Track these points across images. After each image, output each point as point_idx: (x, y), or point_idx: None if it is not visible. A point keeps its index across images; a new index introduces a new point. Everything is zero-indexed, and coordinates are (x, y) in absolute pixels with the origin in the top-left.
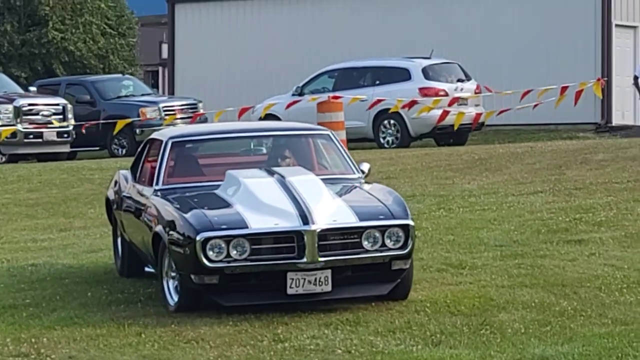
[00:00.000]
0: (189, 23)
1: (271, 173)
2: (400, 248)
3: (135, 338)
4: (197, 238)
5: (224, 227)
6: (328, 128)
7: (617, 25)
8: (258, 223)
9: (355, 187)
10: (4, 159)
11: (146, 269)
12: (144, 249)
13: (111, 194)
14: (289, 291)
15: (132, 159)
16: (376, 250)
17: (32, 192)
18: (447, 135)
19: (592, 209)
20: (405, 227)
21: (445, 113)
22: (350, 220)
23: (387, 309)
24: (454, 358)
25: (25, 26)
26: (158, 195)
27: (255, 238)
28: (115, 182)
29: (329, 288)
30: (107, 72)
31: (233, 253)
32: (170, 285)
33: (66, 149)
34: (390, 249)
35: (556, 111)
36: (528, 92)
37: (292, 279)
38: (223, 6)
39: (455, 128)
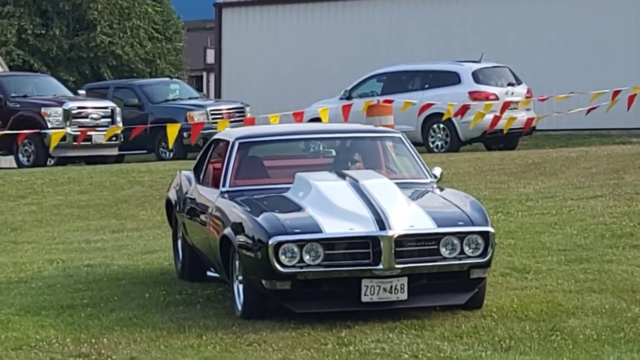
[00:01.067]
0: (236, 27)
1: (342, 176)
2: (480, 256)
3: (196, 340)
4: (270, 242)
5: (297, 231)
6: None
7: None
8: (332, 227)
9: (429, 191)
10: (52, 162)
11: (208, 272)
12: (209, 252)
13: (173, 196)
14: (364, 299)
15: (180, 162)
16: (454, 258)
17: (83, 194)
18: (497, 140)
19: None
20: (485, 234)
21: (497, 118)
22: (428, 226)
23: (453, 313)
24: None
25: (74, 30)
26: (225, 198)
27: (330, 243)
28: (177, 184)
29: (404, 296)
30: (154, 76)
31: (306, 258)
32: (240, 290)
33: (114, 152)
34: (469, 257)
35: (608, 116)
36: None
37: (367, 286)
38: (270, 10)
39: (505, 132)
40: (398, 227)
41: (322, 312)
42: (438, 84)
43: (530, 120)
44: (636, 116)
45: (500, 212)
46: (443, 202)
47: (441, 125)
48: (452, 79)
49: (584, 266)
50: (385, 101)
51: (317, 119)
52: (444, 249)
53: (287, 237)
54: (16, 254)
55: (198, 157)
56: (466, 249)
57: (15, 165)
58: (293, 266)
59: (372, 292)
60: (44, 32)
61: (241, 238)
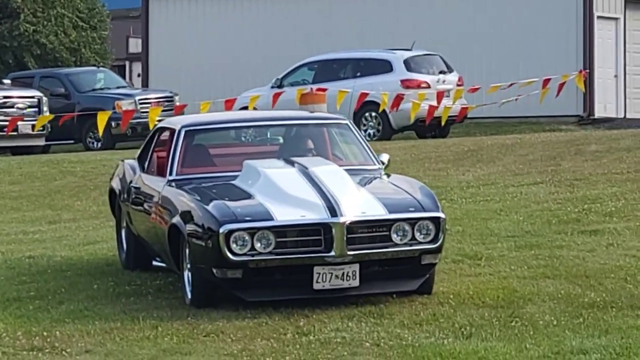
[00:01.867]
0: (163, 15)
1: (291, 163)
2: (431, 242)
3: (152, 331)
4: (220, 230)
5: (248, 218)
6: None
7: (599, 17)
8: (284, 215)
9: (377, 177)
10: None
11: (154, 262)
12: (156, 241)
13: (116, 185)
14: (316, 286)
15: (109, 151)
16: (406, 244)
17: (14, 184)
18: (429, 128)
19: (599, 200)
20: (436, 220)
21: (433, 108)
22: (379, 212)
23: (410, 301)
24: (488, 351)
25: None
26: (172, 186)
27: (281, 230)
28: (121, 173)
29: (356, 283)
30: (80, 66)
31: (257, 246)
32: (189, 279)
33: (41, 142)
34: (420, 243)
35: (537, 104)
36: (511, 85)
37: (319, 274)
38: None
39: (443, 123)
40: (349, 213)
41: (276, 301)
42: (370, 72)
43: (464, 109)
44: (563, 104)
45: (443, 199)
46: (393, 188)
47: (373, 114)
48: (384, 67)
49: (535, 252)
50: (319, 89)
51: (247, 107)
52: (395, 235)
53: (238, 225)
54: None
55: (142, 146)
56: (417, 235)
57: None
58: (244, 254)
59: (324, 279)
60: None
61: (191, 227)
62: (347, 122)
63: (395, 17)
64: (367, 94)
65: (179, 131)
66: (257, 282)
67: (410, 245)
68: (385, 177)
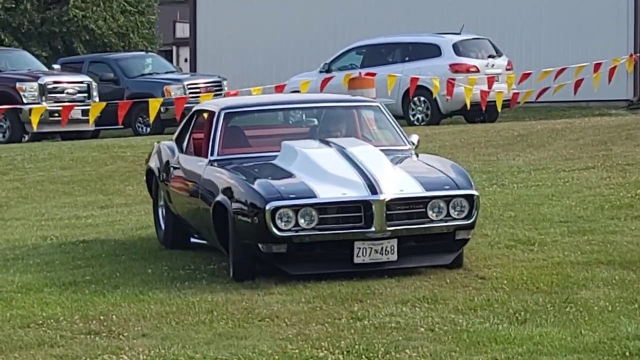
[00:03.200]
0: (211, 0)
1: (327, 144)
2: (465, 218)
3: (207, 315)
4: (267, 207)
5: (292, 196)
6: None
7: None
8: (326, 192)
9: (409, 157)
10: (27, 138)
11: (192, 239)
12: (196, 219)
13: (155, 165)
14: (356, 260)
15: (159, 136)
16: (441, 220)
17: (66, 169)
18: (478, 113)
19: None
20: (470, 197)
21: (485, 93)
22: (416, 190)
23: (463, 286)
24: (543, 337)
25: (45, 4)
26: (214, 166)
27: (324, 207)
28: (157, 154)
29: (394, 257)
30: (128, 51)
31: (301, 222)
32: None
33: (90, 127)
34: (454, 219)
35: (587, 88)
36: (562, 70)
37: (359, 248)
38: None
39: (499, 109)
40: (389, 191)
41: (325, 282)
42: (418, 57)
43: (516, 95)
44: (613, 88)
45: (494, 184)
46: (426, 167)
47: (422, 98)
48: (432, 51)
49: (588, 238)
50: (367, 74)
51: (298, 92)
52: (431, 212)
53: (283, 202)
54: (6, 230)
55: (179, 128)
56: (452, 211)
57: None
58: (289, 230)
59: (364, 254)
60: (14, 5)
61: (236, 204)
62: (378, 104)
63: (444, 1)
64: (417, 79)
65: (219, 113)
66: (300, 256)
67: (445, 221)
68: (416, 156)
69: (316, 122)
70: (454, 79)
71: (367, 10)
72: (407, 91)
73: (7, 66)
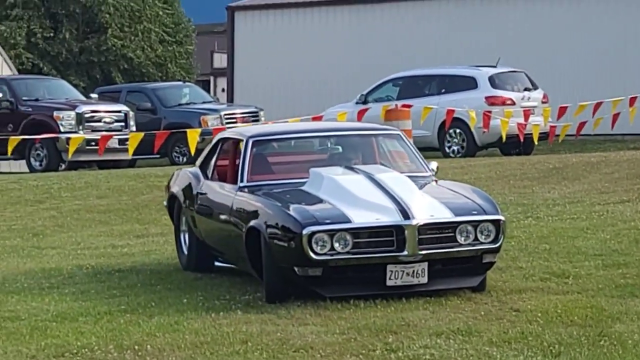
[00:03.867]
0: (249, 30)
1: (354, 170)
2: (492, 242)
3: (242, 346)
4: (304, 232)
5: (327, 221)
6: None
7: None
8: (360, 218)
9: (430, 183)
10: (64, 166)
11: (217, 263)
12: (226, 243)
13: (178, 192)
14: (388, 283)
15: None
16: (469, 244)
17: (102, 198)
18: (513, 145)
19: None
20: (496, 222)
21: (522, 126)
22: (446, 215)
23: (498, 318)
24: None
25: (84, 33)
26: (245, 192)
27: (358, 232)
28: (181, 181)
29: (425, 280)
30: (165, 80)
31: (336, 246)
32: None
33: (127, 156)
34: (482, 243)
35: (622, 121)
36: (600, 103)
37: (392, 271)
38: (283, 13)
39: (536, 142)
40: (420, 216)
41: (357, 311)
42: (454, 89)
43: (553, 128)
44: None
45: (529, 216)
46: (451, 193)
47: (457, 130)
48: (468, 83)
49: (622, 271)
50: (404, 105)
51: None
52: (459, 236)
53: (320, 227)
54: (42, 259)
55: (204, 156)
56: (479, 235)
57: (27, 170)
58: (324, 254)
59: (396, 277)
60: (53, 35)
61: (271, 229)
62: (398, 132)
63: (480, 34)
64: (454, 111)
65: (247, 141)
66: (334, 279)
67: (473, 245)
68: (441, 182)
69: (340, 150)
70: (490, 112)
71: (404, 42)
72: (442, 123)
73: (45, 95)
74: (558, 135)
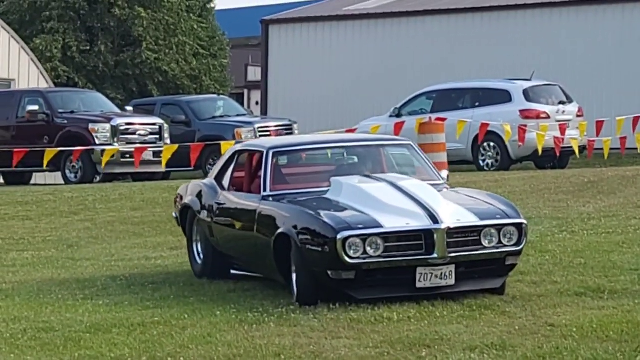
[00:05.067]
0: (283, 43)
1: (375, 179)
2: (515, 245)
3: (274, 359)
4: (338, 237)
5: (360, 226)
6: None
7: None
8: (390, 223)
9: (448, 190)
10: (99, 178)
11: (232, 271)
12: (248, 251)
13: (194, 203)
14: (418, 285)
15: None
16: (493, 247)
17: (136, 210)
18: (548, 159)
19: None
20: (519, 226)
21: (559, 140)
22: (472, 219)
23: (532, 333)
24: None
25: (119, 47)
26: (269, 200)
27: (389, 236)
28: (195, 192)
29: (452, 282)
30: (200, 93)
31: (368, 250)
32: (297, 281)
33: (161, 168)
34: (505, 246)
35: None
36: (638, 118)
37: (421, 274)
38: (317, 27)
39: (578, 155)
40: (448, 220)
41: (390, 326)
42: (489, 102)
43: (592, 143)
44: None
45: (564, 230)
46: (471, 199)
47: (492, 144)
48: (503, 97)
49: None
50: (438, 119)
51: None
52: (484, 240)
53: (353, 232)
54: (76, 270)
55: (219, 168)
56: (503, 239)
57: (62, 182)
58: (357, 258)
59: (425, 279)
60: (88, 48)
61: (304, 235)
62: (410, 142)
63: (515, 47)
64: (488, 125)
65: (267, 153)
66: (366, 282)
67: (497, 248)
68: (456, 189)
69: (355, 159)
70: (524, 125)
71: (438, 55)
72: (476, 136)
73: (80, 107)
74: (601, 149)
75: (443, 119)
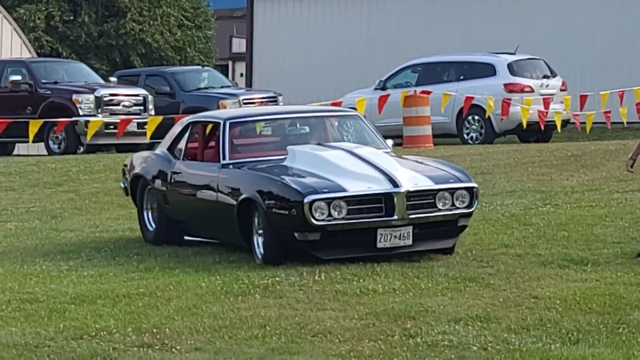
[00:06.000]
0: (268, 16)
1: (331, 147)
2: (466, 207)
3: (260, 330)
4: (305, 200)
5: (325, 190)
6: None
7: None
8: (353, 187)
9: (398, 157)
10: (82, 149)
11: (186, 237)
12: (205, 217)
13: (146, 172)
14: (379, 245)
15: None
16: (447, 209)
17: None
18: (532, 133)
19: None
20: (470, 190)
21: (543, 114)
22: (427, 183)
23: (516, 305)
24: (595, 357)
25: (103, 17)
26: (229, 168)
27: (352, 200)
28: (145, 162)
29: (410, 242)
30: (184, 64)
31: (333, 213)
32: (259, 242)
33: (145, 140)
34: (458, 208)
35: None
36: (622, 92)
37: (382, 234)
38: None
39: (559, 130)
40: (407, 184)
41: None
42: (473, 76)
43: (576, 116)
44: None
45: (548, 204)
46: (423, 165)
47: (476, 117)
48: (487, 70)
49: None
50: (423, 92)
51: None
52: (439, 202)
53: (319, 196)
54: (60, 241)
55: (172, 139)
56: (456, 201)
57: (45, 153)
58: (323, 220)
59: (385, 239)
60: (72, 18)
61: (270, 199)
62: (357, 113)
63: (499, 21)
64: (472, 98)
65: (224, 123)
66: (330, 242)
67: (450, 210)
68: (405, 156)
69: (307, 130)
70: (509, 99)
71: (423, 28)
72: (461, 110)
73: (64, 78)
74: (583, 123)
75: (428, 92)
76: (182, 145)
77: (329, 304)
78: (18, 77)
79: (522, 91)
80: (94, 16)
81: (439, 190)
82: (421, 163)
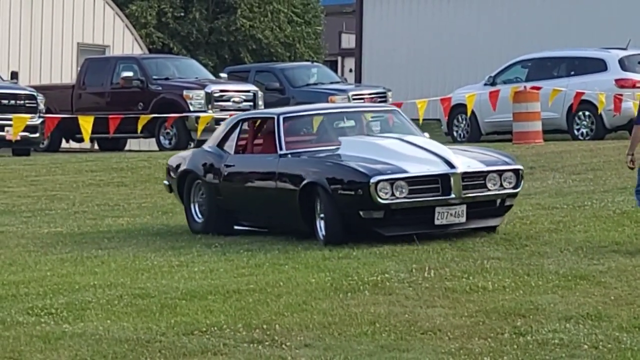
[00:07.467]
0: (377, 11)
1: (382, 137)
2: (513, 187)
3: (370, 327)
4: (371, 181)
5: (388, 172)
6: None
7: None
8: (414, 169)
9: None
10: (192, 145)
11: (236, 227)
12: (261, 205)
13: (196, 168)
14: (436, 222)
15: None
16: (496, 190)
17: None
18: None
19: None
20: (516, 171)
21: None
22: (479, 166)
23: (628, 303)
24: None
25: (214, 14)
26: (288, 157)
27: (413, 180)
28: (196, 158)
29: (464, 219)
30: (293, 60)
31: (396, 193)
32: (321, 225)
33: None
34: (505, 189)
35: None
36: None
37: (439, 212)
38: None
39: None
40: (461, 166)
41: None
42: (584, 71)
43: None
44: None
45: None
46: (469, 152)
47: (587, 113)
48: (598, 65)
49: None
50: (533, 87)
51: (462, 105)
52: (489, 183)
53: (383, 177)
54: (171, 237)
55: (220, 136)
56: (504, 182)
57: (156, 148)
58: (387, 199)
59: (442, 217)
60: (183, 15)
61: (335, 183)
62: (396, 109)
63: (610, 16)
64: (582, 94)
65: (278, 118)
66: (392, 220)
67: (499, 190)
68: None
69: (353, 123)
70: (620, 94)
71: (533, 24)
72: (571, 106)
73: (175, 74)
74: None
75: (538, 88)
76: (232, 141)
77: (439, 301)
78: (130, 74)
79: (633, 86)
80: (205, 13)
81: (490, 172)
82: (468, 150)
